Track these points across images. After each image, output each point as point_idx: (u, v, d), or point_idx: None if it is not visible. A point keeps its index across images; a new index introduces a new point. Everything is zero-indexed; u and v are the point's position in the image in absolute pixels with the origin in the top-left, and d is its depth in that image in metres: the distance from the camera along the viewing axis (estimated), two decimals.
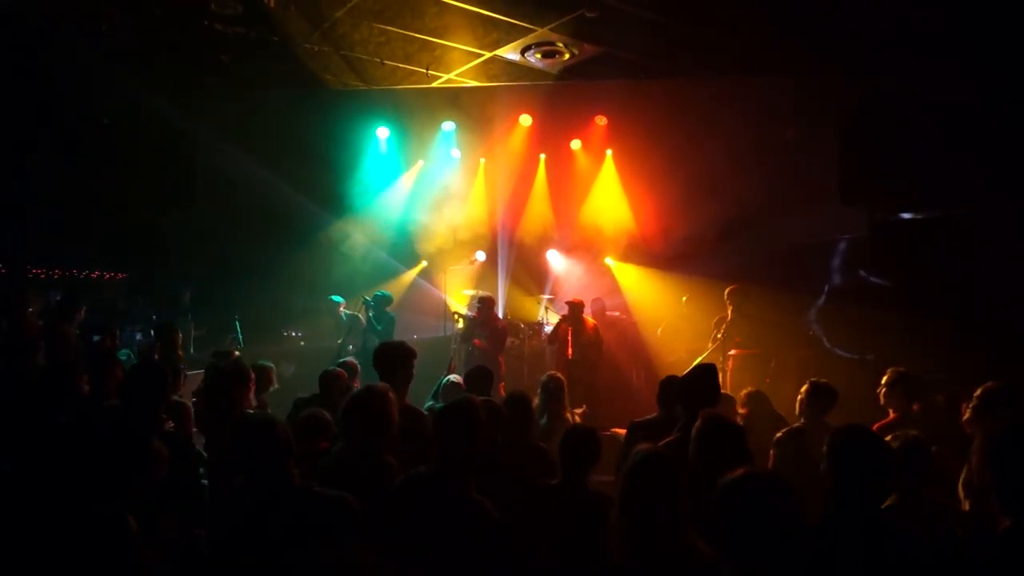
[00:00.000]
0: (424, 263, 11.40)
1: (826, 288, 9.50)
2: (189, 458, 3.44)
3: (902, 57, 7.62)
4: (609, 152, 10.81)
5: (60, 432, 3.35)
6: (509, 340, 9.62)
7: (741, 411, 5.11)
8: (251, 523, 2.59)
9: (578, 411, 6.36)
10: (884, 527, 2.45)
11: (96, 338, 6.72)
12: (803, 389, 4.46)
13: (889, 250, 8.69)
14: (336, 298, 9.81)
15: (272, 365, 5.79)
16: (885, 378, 4.59)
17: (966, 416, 3.79)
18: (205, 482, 3.82)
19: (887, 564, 2.35)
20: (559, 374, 5.33)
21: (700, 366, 4.18)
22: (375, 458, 3.02)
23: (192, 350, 9.09)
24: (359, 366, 6.04)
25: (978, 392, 3.79)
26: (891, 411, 4.54)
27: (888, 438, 3.07)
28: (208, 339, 9.40)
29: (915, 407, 4.53)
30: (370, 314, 9.25)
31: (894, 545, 2.40)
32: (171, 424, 3.30)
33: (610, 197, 10.88)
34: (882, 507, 2.56)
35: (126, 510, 1.97)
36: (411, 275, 11.37)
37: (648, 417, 4.57)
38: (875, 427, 4.40)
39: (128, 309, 9.61)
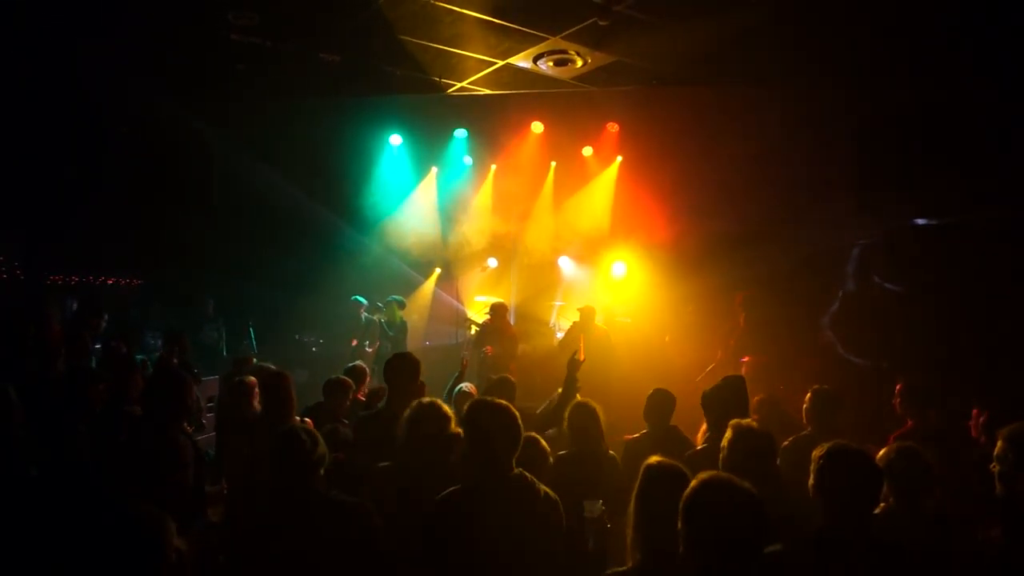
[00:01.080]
0: (437, 270, 11.45)
1: (840, 294, 9.46)
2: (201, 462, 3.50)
3: (917, 67, 7.61)
4: (619, 159, 10.82)
5: (82, 437, 3.41)
6: (520, 347, 9.66)
7: (754, 417, 5.12)
8: (274, 527, 2.64)
9: None
10: (874, 539, 2.47)
11: (112, 343, 6.82)
12: (806, 397, 4.45)
13: (903, 256, 8.65)
14: (360, 299, 9.85)
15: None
16: (899, 387, 4.59)
17: (979, 428, 3.82)
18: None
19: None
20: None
21: (729, 378, 4.21)
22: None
23: (225, 352, 9.17)
24: (368, 371, 6.09)
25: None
26: (908, 420, 4.53)
27: (883, 450, 3.08)
28: (227, 346, 9.49)
29: (931, 415, 4.53)
30: (382, 320, 9.31)
31: (885, 557, 2.42)
32: (191, 429, 3.35)
33: (620, 203, 10.89)
34: (875, 517, 2.58)
35: (164, 511, 2.01)
36: (424, 282, 11.43)
37: (641, 434, 4.61)
38: (892, 437, 4.40)
39: (144, 316, 9.71)
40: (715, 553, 2.02)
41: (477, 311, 10.68)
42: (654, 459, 2.58)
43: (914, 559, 2.42)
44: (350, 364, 6.11)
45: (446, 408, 3.19)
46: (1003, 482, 2.69)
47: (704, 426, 4.73)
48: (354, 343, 9.53)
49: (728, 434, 3.19)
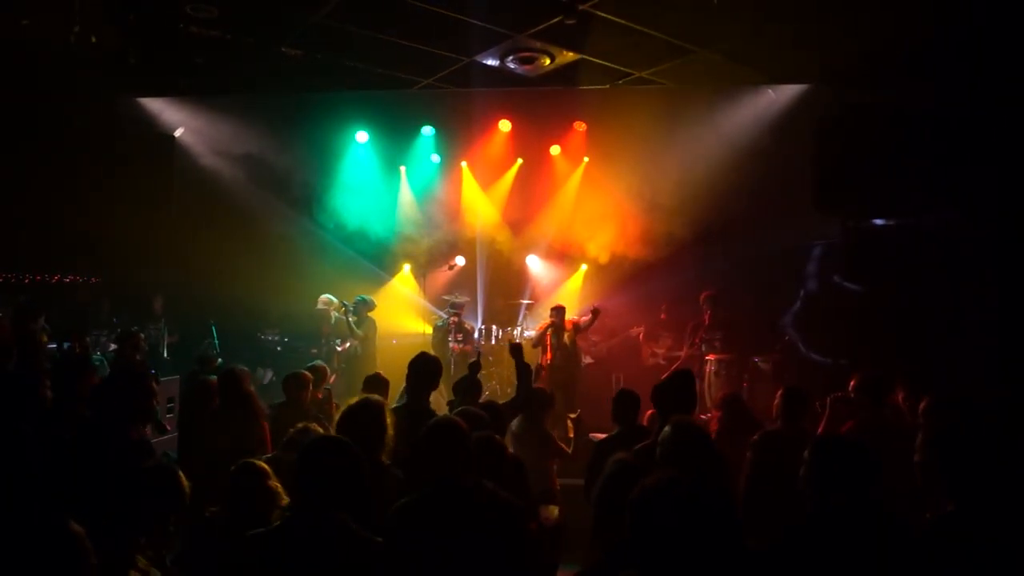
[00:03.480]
0: (404, 267, 11.37)
1: (801, 293, 9.62)
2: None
3: (875, 70, 7.77)
4: (586, 159, 10.86)
5: (29, 439, 3.28)
6: (484, 345, 9.77)
7: (715, 414, 5.17)
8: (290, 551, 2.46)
9: (572, 415, 6.47)
10: (864, 527, 2.53)
11: (67, 345, 6.61)
12: (778, 394, 4.51)
13: (862, 256, 8.82)
14: (330, 297, 9.69)
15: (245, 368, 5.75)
16: (853, 382, 4.66)
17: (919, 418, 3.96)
18: None
19: (870, 561, 2.44)
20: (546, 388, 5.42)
21: (676, 372, 4.23)
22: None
23: (166, 354, 8.98)
24: (328, 371, 6.04)
25: (927, 399, 3.98)
26: (862, 412, 4.60)
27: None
28: (184, 345, 9.29)
29: (884, 409, 4.61)
30: (350, 318, 9.23)
31: (872, 544, 2.47)
32: (147, 431, 3.24)
33: (588, 203, 10.92)
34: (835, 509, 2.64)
35: (69, 516, 1.93)
36: (391, 280, 11.33)
37: (610, 434, 4.62)
38: (843, 429, 4.49)
39: (95, 314, 9.46)
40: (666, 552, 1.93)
41: (442, 308, 10.61)
42: (620, 455, 2.60)
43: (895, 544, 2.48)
44: (311, 363, 6.03)
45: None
46: (921, 466, 2.77)
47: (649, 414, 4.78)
48: (343, 346, 9.44)
49: (666, 429, 3.22)
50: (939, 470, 2.51)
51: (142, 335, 6.91)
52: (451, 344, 9.52)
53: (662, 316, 9.65)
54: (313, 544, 2.38)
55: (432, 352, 9.67)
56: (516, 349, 5.06)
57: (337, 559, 2.37)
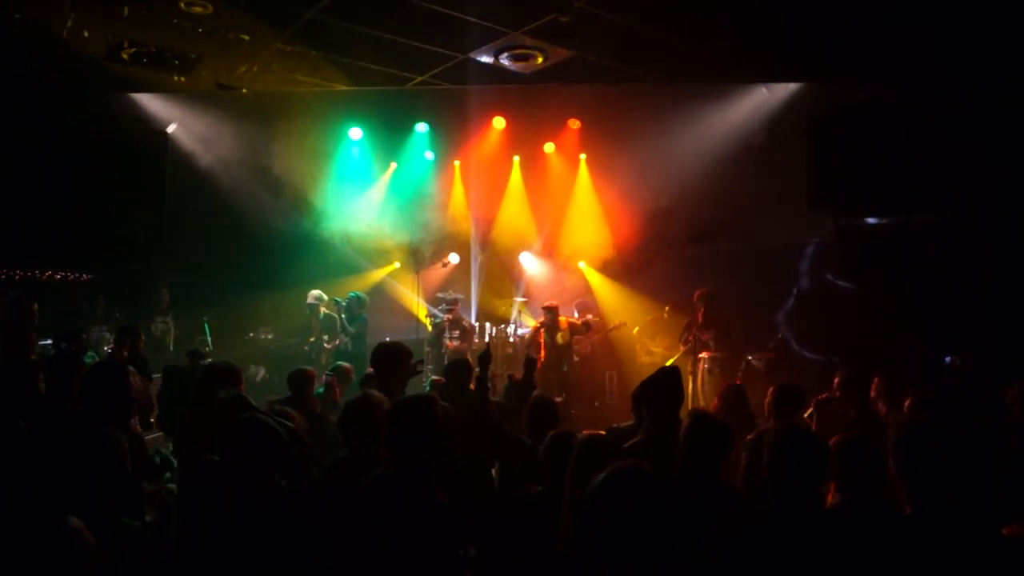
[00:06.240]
0: (397, 265, 11.36)
1: (794, 291, 9.65)
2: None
3: (867, 67, 7.79)
4: (583, 157, 10.87)
5: (22, 436, 3.26)
6: (476, 340, 9.81)
7: (715, 403, 5.15)
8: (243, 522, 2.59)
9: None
10: (824, 524, 2.51)
11: (63, 345, 6.57)
12: (769, 392, 4.49)
13: (855, 254, 8.85)
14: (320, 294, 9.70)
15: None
16: (838, 379, 4.66)
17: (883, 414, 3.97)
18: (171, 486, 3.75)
19: (829, 560, 2.39)
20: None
21: (662, 368, 4.21)
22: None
23: (172, 347, 8.95)
24: (351, 370, 6.04)
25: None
26: (849, 411, 4.61)
27: (834, 439, 3.09)
28: (177, 341, 9.26)
29: (871, 406, 4.62)
30: (342, 315, 9.22)
31: (834, 541, 2.43)
32: (137, 428, 3.22)
33: (583, 201, 10.93)
34: (824, 506, 2.63)
35: (71, 516, 1.92)
36: (384, 277, 11.32)
37: (625, 424, 4.59)
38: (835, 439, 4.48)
39: (91, 311, 9.42)
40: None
41: (438, 307, 10.60)
42: (587, 432, 2.69)
43: (864, 543, 2.46)
44: (336, 364, 6.07)
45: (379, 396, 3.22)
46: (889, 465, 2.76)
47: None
48: (311, 339, 9.42)
49: (688, 422, 3.20)
50: (900, 473, 2.46)
51: (139, 331, 6.88)
52: (446, 341, 9.52)
53: (664, 316, 9.70)
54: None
55: (427, 349, 9.75)
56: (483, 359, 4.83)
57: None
